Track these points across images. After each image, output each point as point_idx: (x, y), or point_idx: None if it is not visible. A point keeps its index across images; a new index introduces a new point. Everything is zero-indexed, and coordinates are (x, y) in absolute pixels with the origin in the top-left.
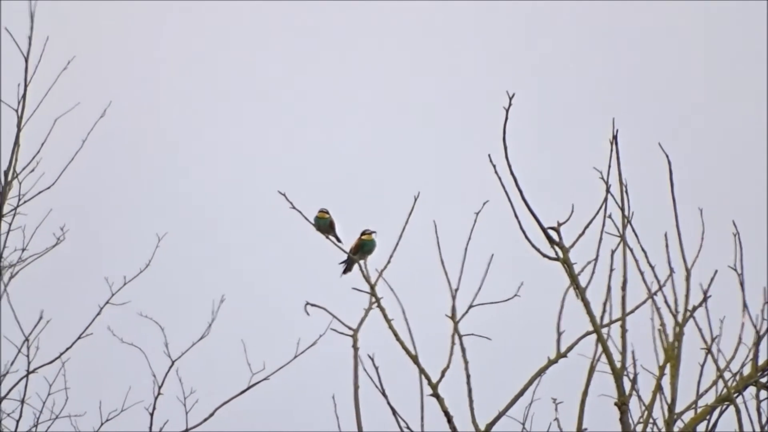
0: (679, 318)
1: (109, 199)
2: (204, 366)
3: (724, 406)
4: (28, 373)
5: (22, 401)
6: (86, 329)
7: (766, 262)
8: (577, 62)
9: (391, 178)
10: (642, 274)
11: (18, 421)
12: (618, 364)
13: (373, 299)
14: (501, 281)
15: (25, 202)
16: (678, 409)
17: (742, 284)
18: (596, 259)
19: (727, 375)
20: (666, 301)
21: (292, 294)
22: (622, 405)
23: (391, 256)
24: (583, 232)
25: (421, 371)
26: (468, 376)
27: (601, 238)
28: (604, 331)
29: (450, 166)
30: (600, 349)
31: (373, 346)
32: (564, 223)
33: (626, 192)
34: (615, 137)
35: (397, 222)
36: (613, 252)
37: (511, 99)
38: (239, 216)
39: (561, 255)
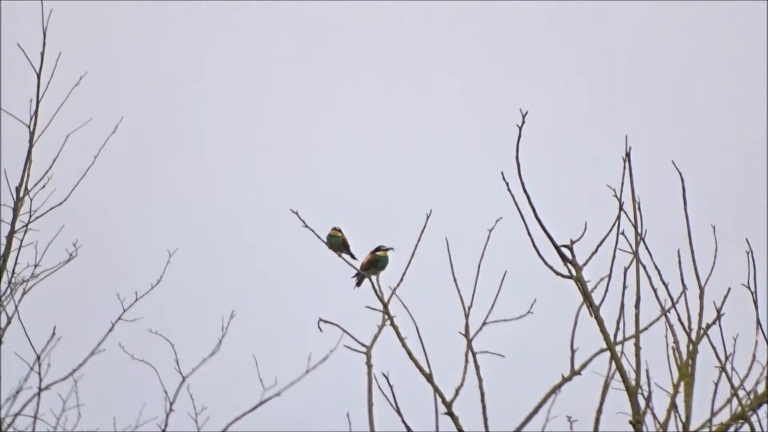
0: (693, 336)
1: (121, 215)
2: (215, 382)
3: (739, 425)
4: (41, 390)
5: (35, 418)
6: (98, 346)
7: None
8: (591, 78)
9: (405, 194)
10: (655, 291)
11: None
12: (632, 382)
13: (387, 317)
14: (514, 299)
15: (37, 218)
16: (692, 427)
17: (755, 302)
18: (609, 277)
19: (741, 393)
20: (679, 319)
21: (305, 310)
22: (637, 423)
23: (404, 274)
24: (596, 250)
25: (436, 390)
26: (482, 394)
27: (614, 256)
28: (618, 348)
29: (464, 183)
30: (614, 366)
31: (386, 363)
32: (577, 240)
33: (639, 209)
34: (628, 154)
35: (410, 239)
36: (626, 269)
37: (524, 117)
38: (251, 231)
39: (574, 273)
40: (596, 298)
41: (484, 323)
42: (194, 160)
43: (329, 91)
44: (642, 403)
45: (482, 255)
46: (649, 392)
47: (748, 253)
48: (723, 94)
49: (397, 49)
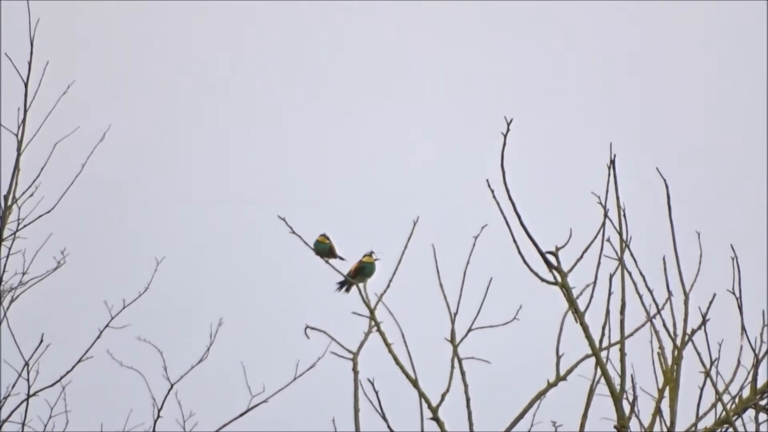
0: (678, 341)
1: (109, 223)
2: (203, 389)
3: (724, 429)
4: (29, 396)
5: (23, 424)
6: (86, 353)
7: (765, 285)
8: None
9: (391, 201)
10: (641, 297)
11: None
12: (617, 387)
13: (373, 323)
14: (500, 305)
15: (25, 226)
16: (677, 431)
17: (740, 308)
18: (595, 283)
19: (726, 398)
20: (665, 325)
21: (292, 317)
22: (622, 428)
23: (390, 281)
24: (582, 257)
25: (421, 395)
26: (468, 400)
27: (599, 262)
28: (603, 354)
29: (450, 190)
30: (599, 372)
31: (373, 370)
32: (562, 247)
33: (624, 216)
34: (613, 162)
35: (397, 246)
36: (611, 276)
37: (509, 124)
38: (238, 239)
39: (559, 279)
40: (581, 305)
41: (470, 329)
42: (181, 167)
43: (317, 97)
44: (627, 408)
45: (468, 262)
46: (635, 397)
47: (733, 260)
48: (708, 100)
49: (385, 55)
